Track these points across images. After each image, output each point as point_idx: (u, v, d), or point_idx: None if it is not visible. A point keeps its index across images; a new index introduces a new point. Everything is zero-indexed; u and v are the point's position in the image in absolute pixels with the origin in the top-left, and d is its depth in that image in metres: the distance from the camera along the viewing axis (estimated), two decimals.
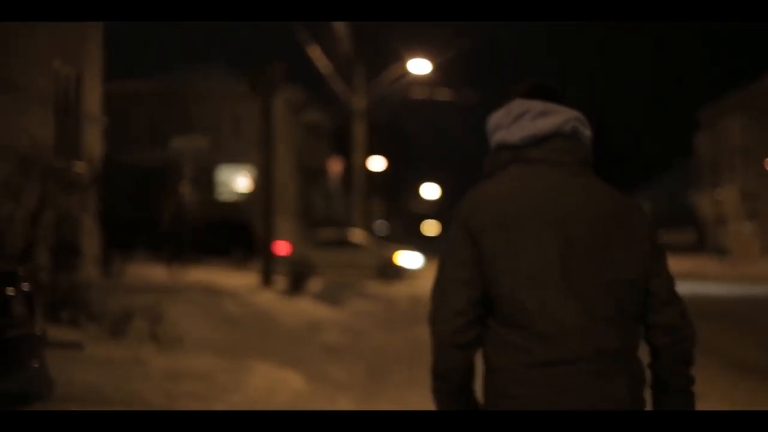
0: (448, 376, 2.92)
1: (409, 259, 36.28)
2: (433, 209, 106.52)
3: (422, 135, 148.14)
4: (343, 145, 57.17)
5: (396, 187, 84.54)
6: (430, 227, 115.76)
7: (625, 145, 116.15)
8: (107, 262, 21.30)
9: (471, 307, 2.86)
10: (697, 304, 24.22)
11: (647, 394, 2.98)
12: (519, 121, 3.00)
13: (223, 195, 53.70)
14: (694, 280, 37.74)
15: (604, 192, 3.00)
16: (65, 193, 13.97)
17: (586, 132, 3.08)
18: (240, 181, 53.77)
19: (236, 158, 52.45)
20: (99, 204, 21.49)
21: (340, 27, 38.27)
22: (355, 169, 45.00)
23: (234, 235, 37.99)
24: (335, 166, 66.69)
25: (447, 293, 2.89)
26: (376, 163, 55.29)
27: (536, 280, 2.83)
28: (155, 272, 24.22)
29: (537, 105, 3.01)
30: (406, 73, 42.50)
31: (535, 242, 2.86)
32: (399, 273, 34.91)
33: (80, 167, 20.92)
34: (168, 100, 51.73)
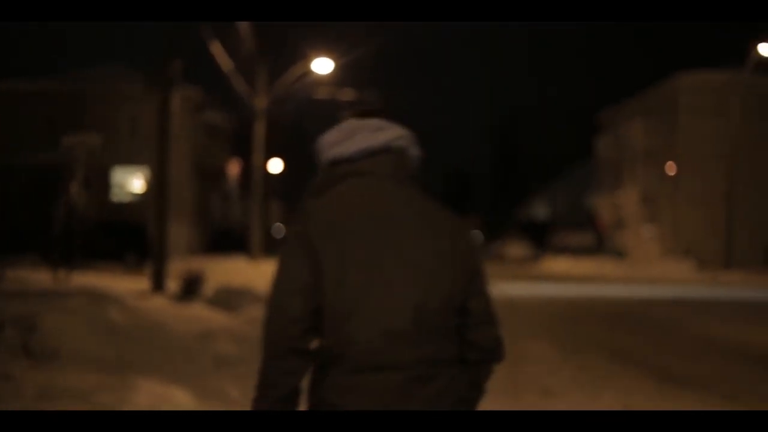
0: (279, 384, 2.98)
1: None
2: None
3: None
4: (242, 147, 56.43)
5: (296, 190, 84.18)
6: None
7: (527, 148, 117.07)
8: None
9: (307, 316, 2.95)
10: (602, 306, 24.26)
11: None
12: (354, 136, 3.14)
13: (118, 197, 52.59)
14: (596, 282, 37.70)
15: (430, 208, 3.11)
16: None
17: (414, 151, 3.22)
18: (135, 183, 52.68)
19: (132, 159, 51.76)
20: None
21: (243, 25, 37.47)
22: (254, 171, 44.25)
23: (128, 238, 36.81)
24: (234, 168, 65.67)
25: (284, 301, 2.97)
26: (276, 165, 54.45)
27: (361, 290, 2.94)
28: (40, 277, 23.06)
29: (372, 122, 3.18)
30: (309, 72, 42.03)
31: (362, 252, 2.97)
32: None
33: None
34: (65, 101, 50.50)
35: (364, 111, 3.26)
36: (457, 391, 3.05)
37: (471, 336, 3.10)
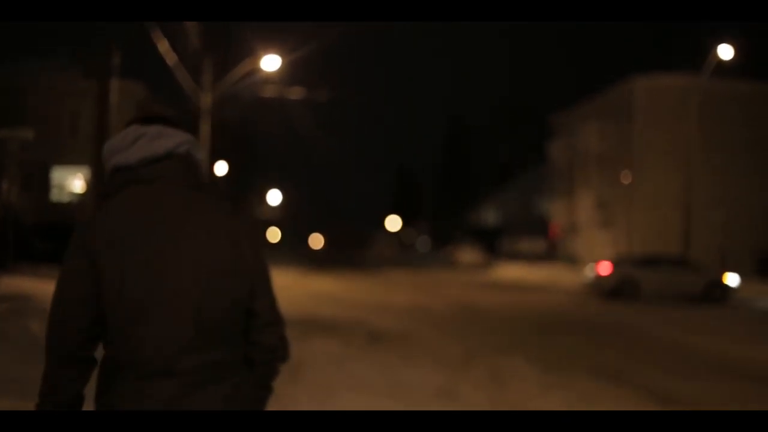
0: (61, 390, 2.99)
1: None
2: (276, 216, 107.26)
3: (271, 137, 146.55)
4: None
5: (241, 192, 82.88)
6: (274, 234, 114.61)
7: (478, 152, 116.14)
8: None
9: (88, 325, 2.98)
10: (567, 314, 22.99)
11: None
12: (136, 143, 3.11)
13: (58, 197, 50.79)
14: (550, 290, 36.59)
15: (215, 212, 3.13)
16: None
17: (199, 154, 3.27)
18: (76, 183, 50.86)
19: (73, 159, 49.90)
20: None
21: (189, 22, 36.19)
22: None
23: (67, 238, 35.13)
24: None
25: (64, 311, 2.99)
26: (221, 167, 52.94)
27: (142, 298, 2.93)
28: None
29: (153, 129, 3.16)
30: (257, 69, 40.87)
31: (142, 260, 2.95)
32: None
33: None
34: (1, 95, 48.58)
35: (147, 117, 3.22)
36: (245, 394, 3.09)
37: (256, 337, 3.14)
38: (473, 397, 10.63)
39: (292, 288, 30.78)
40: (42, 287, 20.25)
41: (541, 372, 12.93)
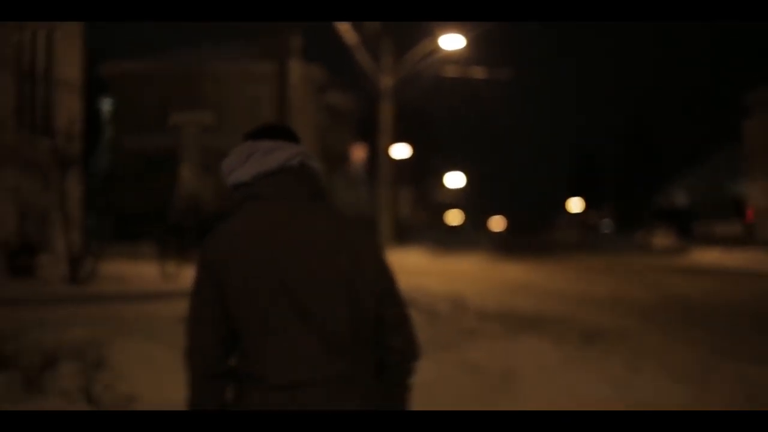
0: (204, 404, 3.09)
1: None
2: (457, 198, 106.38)
3: (451, 118, 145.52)
4: (367, 130, 54.27)
5: (420, 175, 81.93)
6: (454, 217, 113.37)
7: (664, 134, 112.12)
8: (75, 263, 17.45)
9: (220, 342, 3.08)
10: None
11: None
12: (249, 160, 3.18)
13: None
14: (755, 277, 33.80)
15: (334, 224, 3.16)
16: (29, 178, 10.39)
17: (314, 164, 3.27)
18: None
19: None
20: (82, 190, 18.04)
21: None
22: (380, 155, 41.72)
23: None
24: (359, 152, 63.17)
25: (196, 330, 3.10)
26: (401, 150, 51.61)
27: (267, 312, 3.03)
28: (147, 272, 20.58)
29: (264, 144, 3.20)
30: (437, 49, 39.43)
31: (267, 276, 3.04)
32: None
33: (51, 145, 17.25)
34: (180, 81, 48.42)
35: (256, 132, 3.25)
36: (380, 397, 3.15)
37: (387, 341, 3.18)
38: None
39: (481, 277, 29.27)
40: None
41: None
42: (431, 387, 9.06)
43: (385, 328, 3.16)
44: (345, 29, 33.11)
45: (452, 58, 40.75)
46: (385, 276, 3.18)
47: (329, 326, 3.01)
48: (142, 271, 21.04)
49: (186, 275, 19.73)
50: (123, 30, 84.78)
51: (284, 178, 3.14)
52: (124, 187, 34.30)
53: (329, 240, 3.08)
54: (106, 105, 54.91)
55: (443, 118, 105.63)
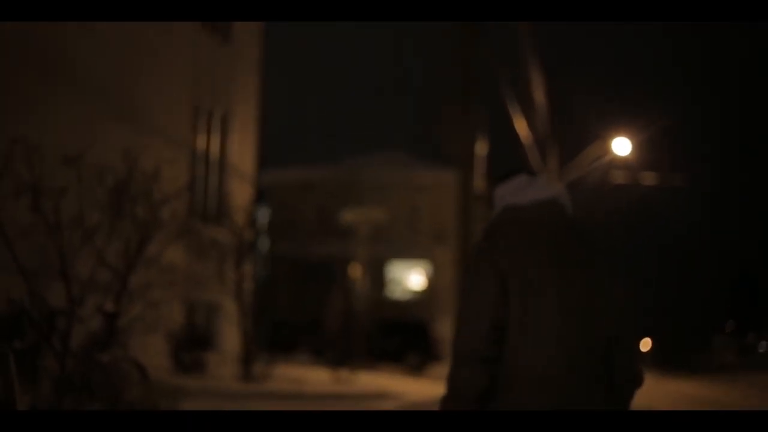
0: (464, 388, 3.36)
1: None
2: None
3: (620, 224, 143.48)
4: None
5: None
6: None
7: None
8: (248, 360, 16.31)
9: (492, 330, 3.36)
10: None
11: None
12: (527, 188, 3.67)
13: (394, 293, 49.17)
14: None
15: (589, 250, 3.57)
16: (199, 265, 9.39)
17: (569, 204, 3.72)
18: (414, 278, 49.06)
19: (410, 253, 48.16)
20: (252, 286, 17.03)
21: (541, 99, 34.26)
22: None
23: (409, 337, 34.58)
24: None
25: (473, 316, 3.40)
26: None
27: (533, 317, 3.36)
28: (317, 377, 19.42)
29: (540, 179, 3.74)
30: (605, 154, 38.27)
31: (539, 279, 3.40)
32: None
33: (223, 234, 16.24)
34: (339, 189, 47.97)
35: (508, 173, 3.74)
36: (609, 403, 3.43)
37: (617, 360, 3.46)
38: None
39: None
40: (386, 384, 18.26)
41: None
42: None
43: (618, 349, 3.46)
44: (521, 127, 32.20)
45: (621, 163, 39.49)
46: (626, 306, 3.56)
47: (583, 336, 3.36)
48: (310, 374, 19.93)
49: (360, 381, 18.74)
50: (280, 139, 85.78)
51: (553, 207, 3.61)
52: (279, 294, 33.78)
53: (589, 264, 3.50)
54: (263, 214, 54.91)
55: (610, 225, 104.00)
